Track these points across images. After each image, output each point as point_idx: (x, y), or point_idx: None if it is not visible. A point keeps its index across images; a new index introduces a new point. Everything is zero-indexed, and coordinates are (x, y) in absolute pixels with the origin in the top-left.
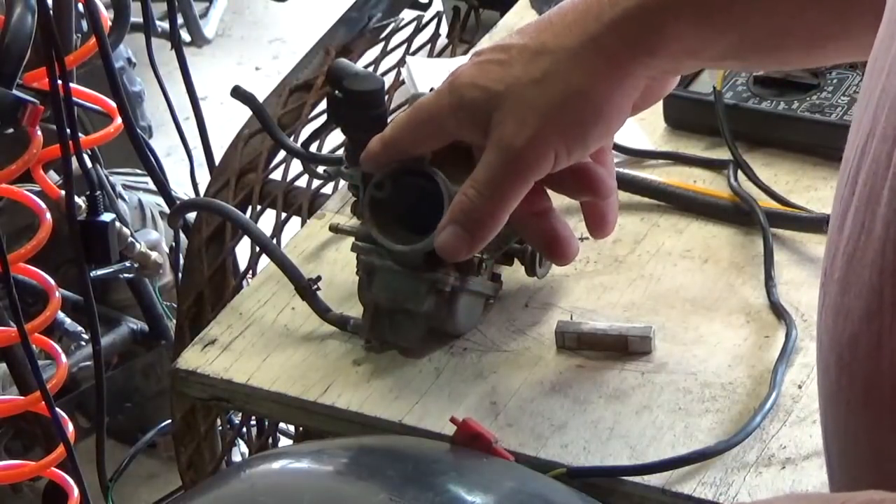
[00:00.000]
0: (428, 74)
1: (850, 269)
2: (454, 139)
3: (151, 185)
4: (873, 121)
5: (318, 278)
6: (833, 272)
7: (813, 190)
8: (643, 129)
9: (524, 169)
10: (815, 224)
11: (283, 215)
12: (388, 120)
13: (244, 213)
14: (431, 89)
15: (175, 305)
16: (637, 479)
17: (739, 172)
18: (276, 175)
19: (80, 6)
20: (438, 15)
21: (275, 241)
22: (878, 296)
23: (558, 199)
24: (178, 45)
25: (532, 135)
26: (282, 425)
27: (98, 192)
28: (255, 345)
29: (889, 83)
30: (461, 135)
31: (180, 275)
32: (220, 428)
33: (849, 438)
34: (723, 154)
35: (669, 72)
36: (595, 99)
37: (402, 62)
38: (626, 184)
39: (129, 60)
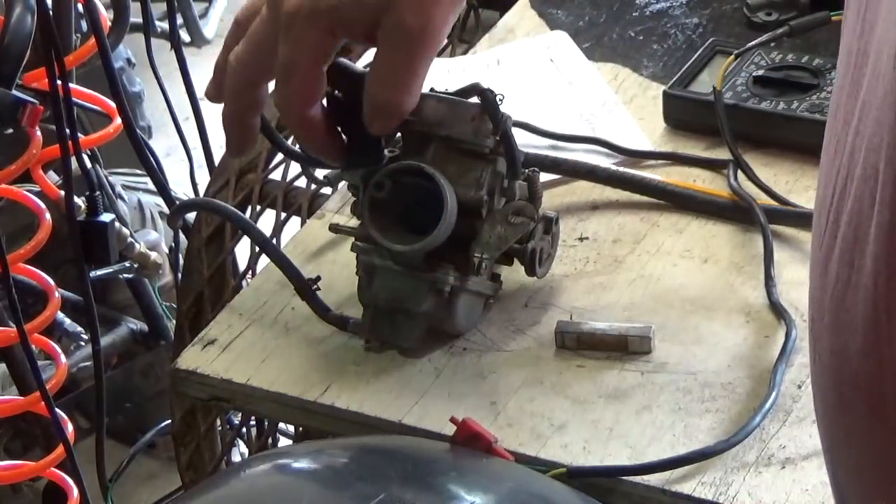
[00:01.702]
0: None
1: (841, 309)
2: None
3: (151, 186)
4: (850, 164)
5: (318, 278)
6: (822, 316)
7: (812, 190)
8: (643, 129)
9: (430, 51)
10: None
11: (283, 215)
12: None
13: (244, 213)
14: (431, 89)
15: (175, 305)
16: (637, 478)
17: (739, 172)
18: (276, 175)
19: (80, 6)
20: None
21: (274, 241)
22: (874, 329)
23: (560, 198)
24: (177, 46)
25: (433, 13)
26: (282, 425)
27: (97, 193)
28: (255, 345)
29: (862, 125)
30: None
31: (180, 275)
32: (220, 428)
33: (861, 471)
34: (723, 154)
35: None
36: None
37: None
38: (626, 183)
39: (128, 61)
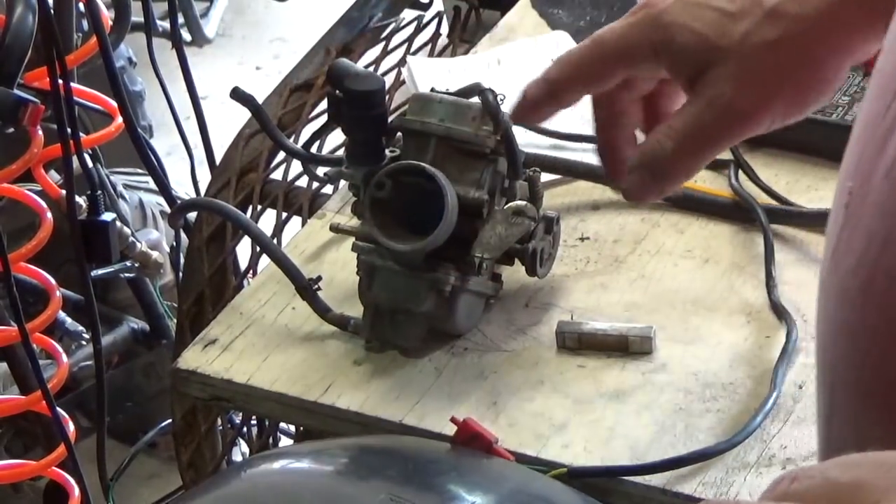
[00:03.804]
0: (428, 74)
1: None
2: (633, 75)
3: (152, 185)
4: None
5: (319, 278)
6: (867, 193)
7: (813, 190)
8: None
9: (737, 131)
10: (816, 219)
11: (284, 215)
12: (389, 120)
13: (244, 212)
14: (432, 89)
15: (175, 305)
16: (637, 479)
17: (740, 172)
18: (277, 175)
19: (81, 6)
20: (439, 15)
21: (275, 241)
22: None
23: (560, 198)
24: (178, 45)
25: (757, 101)
26: (282, 425)
27: (99, 192)
28: (256, 345)
29: None
30: (652, 73)
31: (181, 274)
32: (221, 428)
33: (867, 368)
34: (723, 154)
35: None
36: (826, 72)
37: (402, 62)
38: None
39: (129, 60)
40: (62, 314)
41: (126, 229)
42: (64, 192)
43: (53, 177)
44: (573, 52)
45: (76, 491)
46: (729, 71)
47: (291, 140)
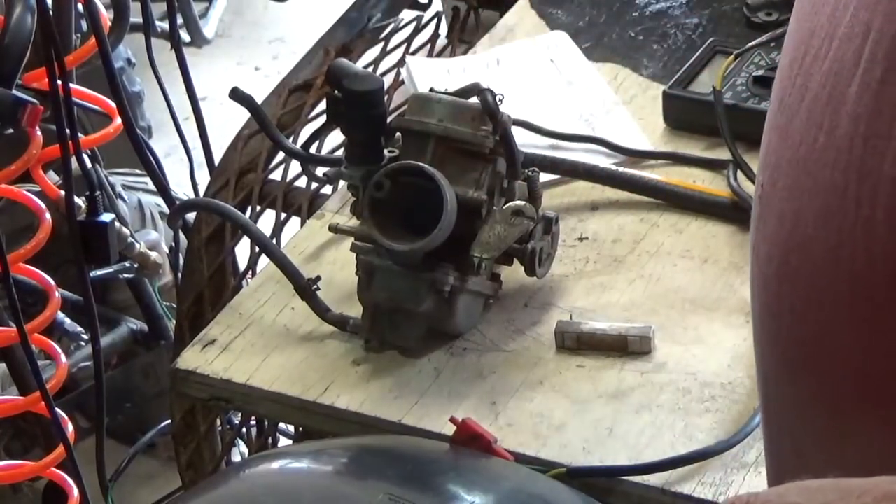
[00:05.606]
0: (427, 74)
1: (802, 172)
2: None
3: (151, 186)
4: (830, 24)
5: (318, 278)
6: (776, 180)
7: None
8: (643, 129)
9: None
10: None
11: (283, 215)
12: (388, 120)
13: (244, 213)
14: (431, 89)
15: (175, 305)
16: (636, 478)
17: (739, 172)
18: (276, 175)
19: (80, 6)
20: (438, 15)
21: (274, 241)
22: (840, 194)
23: (559, 198)
24: (177, 46)
25: None
26: (282, 425)
27: (98, 193)
28: (255, 345)
29: None
30: None
31: (180, 275)
32: (220, 428)
33: (790, 347)
34: (723, 154)
35: None
36: None
37: (401, 62)
38: (626, 183)
39: (128, 61)
40: (61, 315)
41: (125, 230)
42: (63, 192)
43: (52, 177)
44: None
45: (75, 492)
46: None
47: (290, 140)
